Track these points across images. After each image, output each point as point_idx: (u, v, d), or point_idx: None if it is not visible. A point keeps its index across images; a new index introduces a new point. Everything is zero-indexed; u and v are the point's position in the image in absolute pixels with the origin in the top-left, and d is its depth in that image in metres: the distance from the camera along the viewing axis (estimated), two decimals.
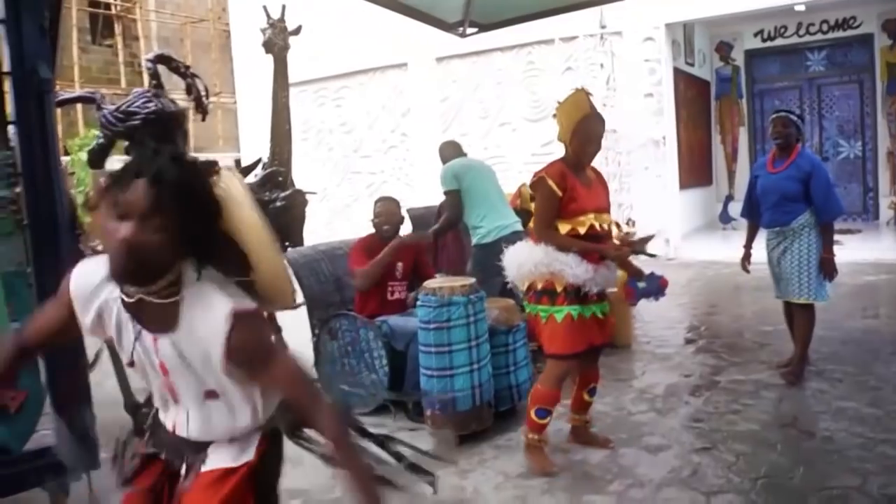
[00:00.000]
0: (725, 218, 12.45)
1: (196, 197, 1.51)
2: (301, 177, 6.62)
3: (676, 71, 10.87)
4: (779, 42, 12.16)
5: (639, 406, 4.28)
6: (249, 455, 1.76)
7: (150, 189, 1.44)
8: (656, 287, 3.42)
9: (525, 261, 3.35)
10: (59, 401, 3.21)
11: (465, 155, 5.75)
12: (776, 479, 3.20)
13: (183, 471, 1.77)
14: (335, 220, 12.45)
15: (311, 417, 1.69)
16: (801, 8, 10.68)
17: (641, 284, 3.40)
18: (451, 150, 5.78)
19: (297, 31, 5.40)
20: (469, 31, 6.21)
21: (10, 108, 3.10)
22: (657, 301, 3.52)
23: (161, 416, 1.82)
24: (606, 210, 3.46)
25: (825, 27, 11.66)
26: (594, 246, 3.33)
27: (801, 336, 4.59)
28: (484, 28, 6.32)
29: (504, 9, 6.07)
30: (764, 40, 12.27)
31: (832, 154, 12.02)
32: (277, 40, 5.20)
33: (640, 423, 4.01)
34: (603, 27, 10.33)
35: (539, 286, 3.35)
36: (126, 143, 5.02)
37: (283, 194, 4.56)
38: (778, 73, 12.42)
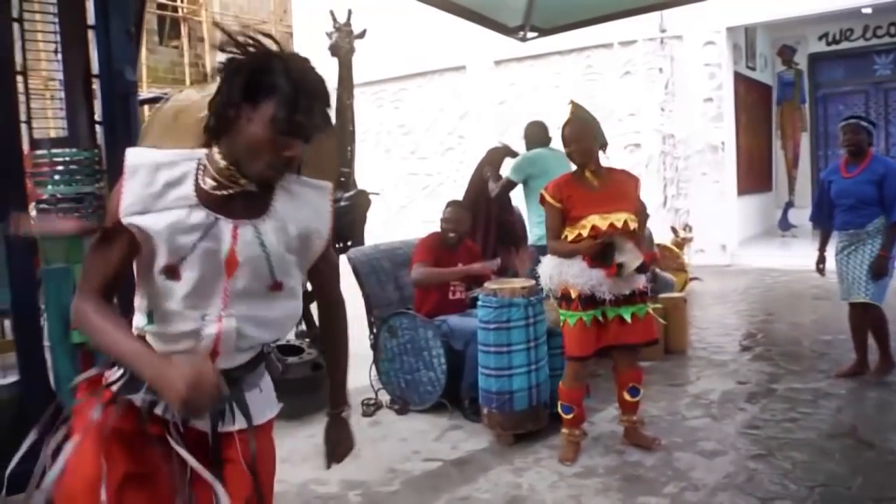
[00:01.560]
0: (785, 225, 12.23)
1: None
2: (359, 178, 6.75)
3: (737, 75, 10.74)
4: (844, 45, 11.91)
5: (693, 411, 4.29)
6: (277, 405, 1.84)
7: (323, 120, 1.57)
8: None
9: (545, 271, 3.63)
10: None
11: (549, 140, 5.64)
12: (833, 487, 3.19)
13: (218, 423, 1.63)
14: (391, 220, 12.61)
15: (333, 310, 1.91)
16: (868, 10, 10.46)
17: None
18: (535, 135, 5.74)
19: (362, 34, 5.52)
20: (529, 35, 6.26)
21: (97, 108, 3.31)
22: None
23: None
24: (618, 209, 3.49)
25: (893, 30, 11.38)
26: (572, 247, 3.53)
27: (877, 337, 4.68)
28: (544, 32, 6.36)
29: (565, 13, 6.11)
30: (829, 44, 12.04)
31: None
32: (343, 44, 5.32)
33: (694, 428, 4.03)
34: (663, 31, 10.28)
35: (559, 293, 3.58)
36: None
37: (347, 195, 4.68)
38: (843, 77, 12.17)
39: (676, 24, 10.11)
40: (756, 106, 11.91)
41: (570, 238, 3.53)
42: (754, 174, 11.77)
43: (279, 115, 1.49)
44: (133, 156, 1.56)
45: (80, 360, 3.23)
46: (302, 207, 1.65)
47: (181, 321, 1.58)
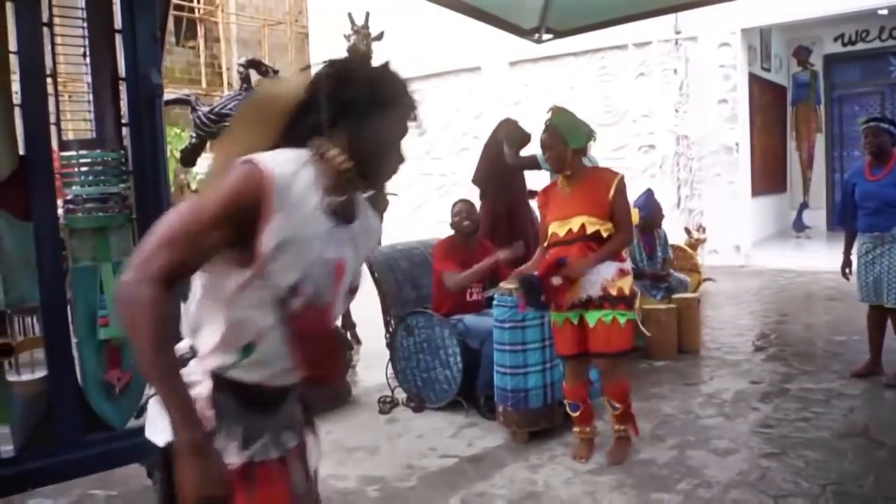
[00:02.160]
0: (799, 226, 12.21)
1: None
2: None
3: (752, 76, 10.75)
4: (860, 46, 11.88)
5: (707, 410, 4.34)
6: None
7: None
8: (534, 300, 3.47)
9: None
10: None
11: None
12: (845, 485, 3.24)
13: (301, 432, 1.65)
14: (406, 220, 12.69)
15: None
16: (885, 11, 10.45)
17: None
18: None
19: (379, 36, 5.60)
20: (545, 37, 6.31)
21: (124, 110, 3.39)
22: (543, 314, 3.75)
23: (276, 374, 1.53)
24: (577, 213, 3.47)
25: None
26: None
27: None
28: (560, 34, 6.41)
29: (580, 16, 6.15)
30: (844, 45, 12.01)
31: None
32: (361, 46, 5.41)
33: (707, 427, 4.07)
34: (678, 32, 10.31)
35: None
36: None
37: (365, 195, 4.74)
38: (859, 78, 12.14)
39: (691, 25, 10.13)
40: (771, 107, 11.91)
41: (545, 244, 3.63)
42: (769, 175, 11.76)
43: (409, 121, 1.57)
44: (270, 163, 1.40)
45: (106, 356, 3.33)
46: (366, 215, 1.65)
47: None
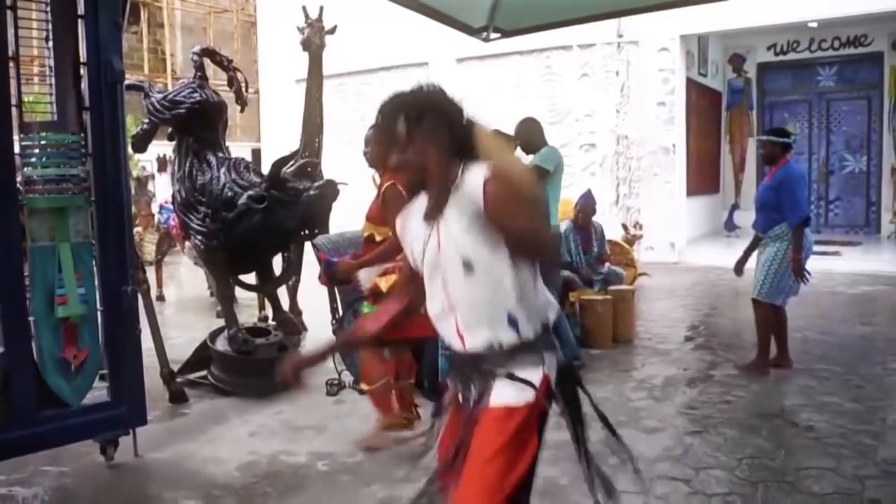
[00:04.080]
0: (730, 225, 12.77)
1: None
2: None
3: (689, 81, 11.19)
4: (791, 56, 12.47)
5: (638, 394, 4.62)
6: (529, 396, 1.88)
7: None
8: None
9: (363, 274, 3.94)
10: (115, 361, 3.59)
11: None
12: (759, 459, 3.54)
13: (472, 398, 1.93)
14: (350, 211, 12.77)
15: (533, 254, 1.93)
16: (814, 24, 11.01)
17: None
18: (538, 130, 5.51)
19: (332, 30, 5.71)
20: (493, 36, 6.50)
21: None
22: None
23: (448, 337, 1.97)
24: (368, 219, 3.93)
25: (837, 44, 11.96)
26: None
27: (764, 333, 5.07)
28: (507, 34, 6.62)
29: (527, 16, 6.37)
30: (777, 54, 12.58)
31: (838, 168, 12.34)
32: (315, 39, 5.52)
33: (638, 409, 4.35)
34: (620, 36, 10.67)
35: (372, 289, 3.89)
36: (169, 129, 5.37)
37: (315, 184, 4.89)
38: (789, 86, 12.73)
39: (633, 30, 10.51)
40: (706, 111, 12.40)
41: None
42: (703, 176, 12.25)
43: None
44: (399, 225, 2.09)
45: (63, 334, 3.41)
46: (461, 196, 1.86)
47: (440, 310, 1.95)
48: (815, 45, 12.17)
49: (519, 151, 5.37)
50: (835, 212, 12.50)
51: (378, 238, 3.86)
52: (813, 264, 4.94)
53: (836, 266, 9.36)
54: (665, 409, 4.33)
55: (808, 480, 3.27)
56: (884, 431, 3.89)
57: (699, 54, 11.74)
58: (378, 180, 3.77)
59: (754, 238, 5.20)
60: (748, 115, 12.99)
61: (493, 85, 11.82)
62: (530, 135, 5.39)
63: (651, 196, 10.75)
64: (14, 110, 3.25)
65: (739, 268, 5.22)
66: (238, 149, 9.69)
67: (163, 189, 12.57)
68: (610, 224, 8.22)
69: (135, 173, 11.07)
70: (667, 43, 10.65)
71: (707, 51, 12.06)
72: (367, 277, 3.87)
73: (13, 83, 3.25)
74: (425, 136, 1.87)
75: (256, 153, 15.42)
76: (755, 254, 5.06)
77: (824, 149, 12.40)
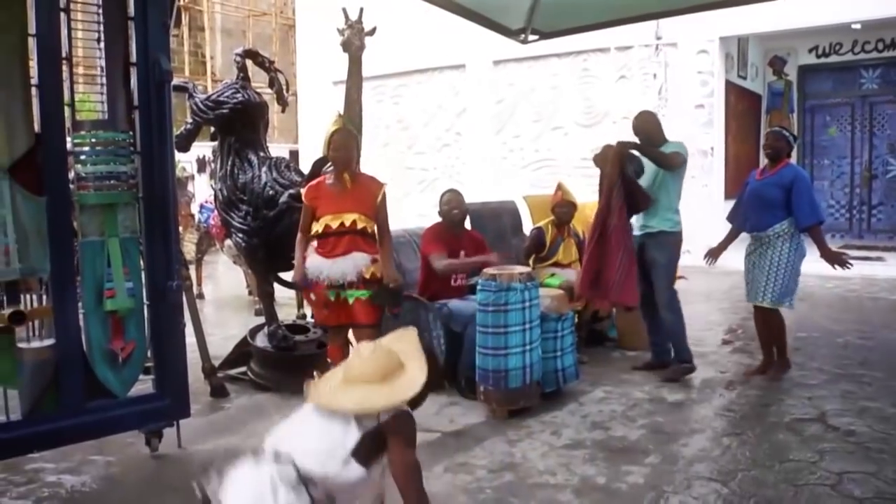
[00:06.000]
0: None
1: None
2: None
3: (728, 83, 11.08)
4: (833, 59, 12.28)
5: (675, 395, 4.60)
6: None
7: None
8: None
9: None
10: (160, 354, 3.68)
11: None
12: (798, 462, 3.50)
13: None
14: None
15: None
16: (858, 26, 10.83)
17: None
18: (658, 126, 5.29)
19: (372, 31, 5.76)
20: (531, 38, 6.54)
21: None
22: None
23: None
24: (350, 210, 3.95)
25: (881, 45, 11.76)
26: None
27: (776, 338, 5.02)
28: (545, 36, 6.65)
29: (566, 18, 6.39)
30: (818, 56, 12.40)
31: (881, 172, 12.12)
32: (355, 41, 5.58)
33: (676, 410, 4.34)
34: (658, 38, 10.60)
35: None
36: (211, 129, 5.47)
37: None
38: (831, 89, 12.54)
39: (672, 31, 10.44)
40: (746, 114, 12.26)
41: (314, 231, 4.02)
42: (742, 179, 12.01)
43: None
44: None
45: (111, 326, 3.50)
46: None
47: None
48: (858, 48, 11.96)
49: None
50: (878, 216, 12.27)
51: None
52: (856, 270, 4.88)
53: (878, 271, 9.20)
54: (703, 411, 4.30)
55: (850, 485, 3.23)
56: None
57: (738, 56, 11.62)
58: None
59: (733, 232, 5.19)
60: (789, 119, 12.81)
61: (529, 87, 11.84)
62: (649, 131, 5.17)
63: (689, 199, 10.57)
64: (66, 109, 3.37)
65: (715, 256, 5.20)
66: (276, 150, 9.77)
67: (202, 189, 12.76)
68: None
69: (176, 174, 11.28)
70: (706, 45, 10.56)
71: (747, 53, 11.93)
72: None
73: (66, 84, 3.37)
74: None
75: (294, 154, 15.59)
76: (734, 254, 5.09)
77: (867, 152, 12.19)
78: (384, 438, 2.13)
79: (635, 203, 4.95)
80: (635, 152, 4.99)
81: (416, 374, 2.19)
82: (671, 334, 5.00)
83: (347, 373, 2.21)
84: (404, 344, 2.31)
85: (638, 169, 5.03)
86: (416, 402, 2.24)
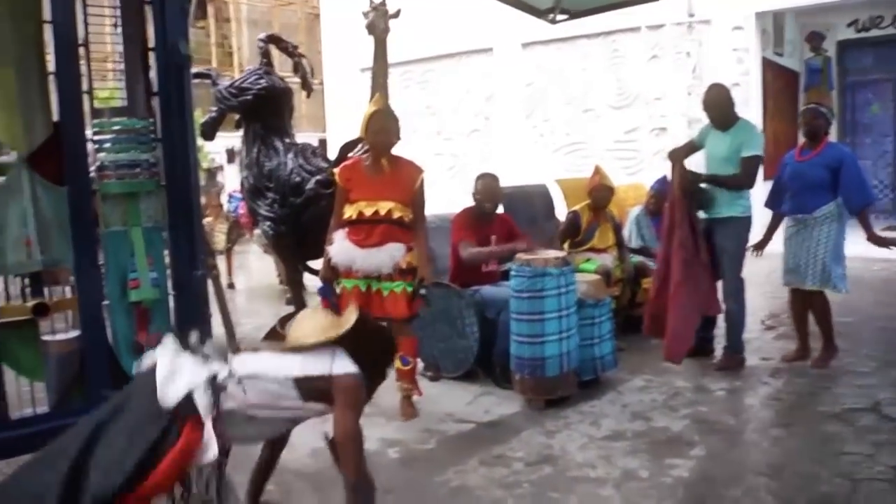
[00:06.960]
0: None
1: None
2: None
3: (764, 61, 10.75)
4: (874, 33, 11.86)
5: (719, 384, 4.42)
6: None
7: None
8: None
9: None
10: (185, 344, 3.59)
11: None
12: (852, 455, 3.31)
13: None
14: None
15: None
16: None
17: None
18: (730, 102, 5.03)
19: (396, 14, 5.63)
20: (559, 17, 6.36)
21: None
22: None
23: None
24: (387, 198, 3.78)
25: None
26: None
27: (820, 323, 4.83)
28: (574, 15, 6.46)
29: None
30: (858, 31, 11.99)
31: None
32: (380, 23, 5.45)
33: (719, 399, 4.17)
34: (691, 15, 10.31)
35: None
36: (236, 118, 5.38)
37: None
38: (872, 65, 12.12)
39: (705, 8, 10.14)
40: (783, 92, 11.90)
41: (346, 216, 3.85)
42: (779, 160, 11.75)
43: None
44: None
45: (136, 317, 3.42)
46: None
47: None
48: None
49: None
50: None
51: None
52: None
53: None
54: (748, 400, 4.13)
55: None
56: None
57: (775, 33, 11.25)
58: None
59: (777, 218, 5.03)
60: (828, 96, 12.38)
61: (558, 70, 11.60)
62: (721, 105, 4.95)
63: None
64: (85, 96, 3.28)
65: (762, 248, 5.06)
66: (304, 138, 9.61)
67: (232, 180, 12.77)
68: None
69: (205, 165, 11.26)
70: (741, 21, 10.23)
71: (783, 29, 11.56)
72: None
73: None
74: None
75: (322, 143, 15.54)
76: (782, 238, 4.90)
77: None
78: (330, 392, 2.37)
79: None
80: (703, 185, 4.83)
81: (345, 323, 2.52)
82: (731, 325, 4.79)
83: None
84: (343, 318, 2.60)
85: (706, 202, 4.86)
86: (373, 376, 2.56)
